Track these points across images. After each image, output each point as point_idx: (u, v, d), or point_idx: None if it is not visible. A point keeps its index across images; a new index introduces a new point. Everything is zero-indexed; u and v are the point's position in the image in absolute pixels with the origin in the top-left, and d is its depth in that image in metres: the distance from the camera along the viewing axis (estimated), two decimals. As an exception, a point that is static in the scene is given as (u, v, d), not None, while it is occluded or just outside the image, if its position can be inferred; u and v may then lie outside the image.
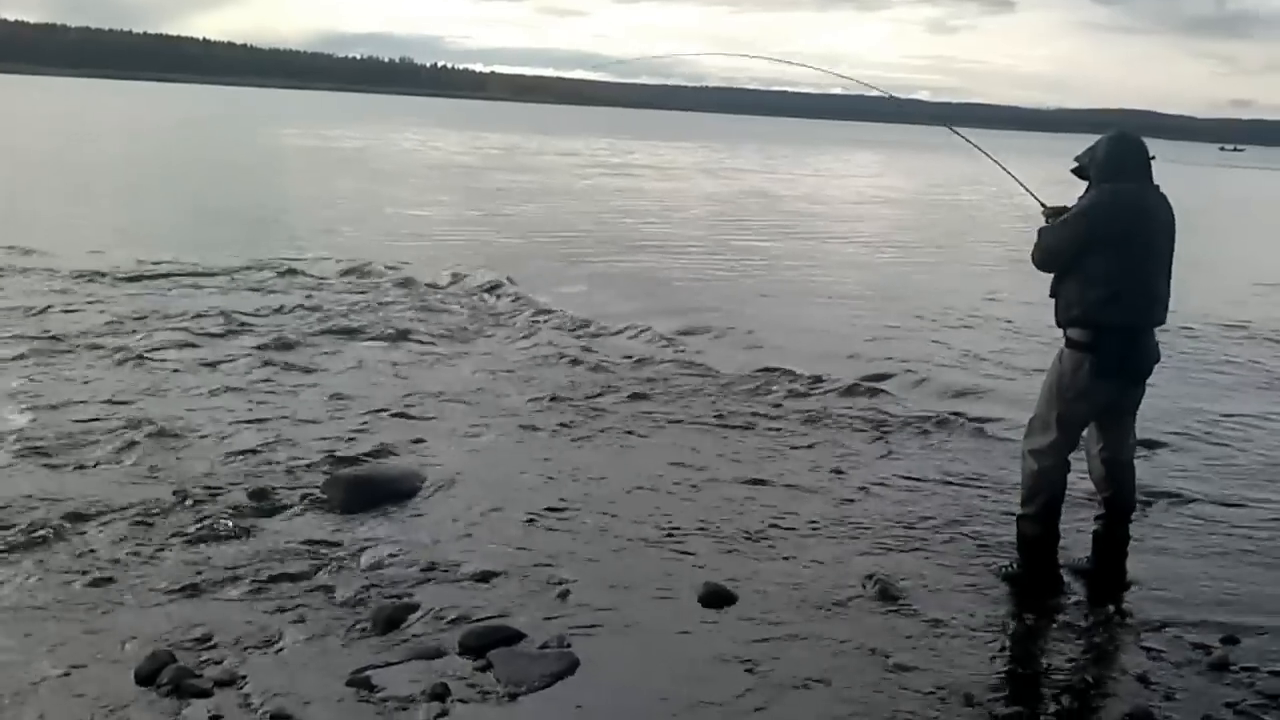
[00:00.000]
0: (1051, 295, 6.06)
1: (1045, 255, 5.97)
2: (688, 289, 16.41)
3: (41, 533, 6.10)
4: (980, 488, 7.83)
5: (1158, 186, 5.96)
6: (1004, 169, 6.96)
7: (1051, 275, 6.03)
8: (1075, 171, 6.08)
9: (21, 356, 9.98)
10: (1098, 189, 5.89)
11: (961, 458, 8.56)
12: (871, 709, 4.87)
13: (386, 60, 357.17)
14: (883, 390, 10.43)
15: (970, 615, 5.82)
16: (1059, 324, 6.04)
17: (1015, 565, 6.32)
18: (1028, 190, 6.66)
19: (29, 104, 77.33)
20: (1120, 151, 5.92)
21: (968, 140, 7.77)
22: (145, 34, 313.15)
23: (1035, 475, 6.16)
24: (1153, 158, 5.93)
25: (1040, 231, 6.02)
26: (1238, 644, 5.63)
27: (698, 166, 51.93)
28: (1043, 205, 6.28)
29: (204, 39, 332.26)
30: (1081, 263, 5.82)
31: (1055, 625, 5.85)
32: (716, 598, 5.82)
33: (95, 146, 39.81)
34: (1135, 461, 6.42)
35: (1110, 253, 5.75)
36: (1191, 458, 8.82)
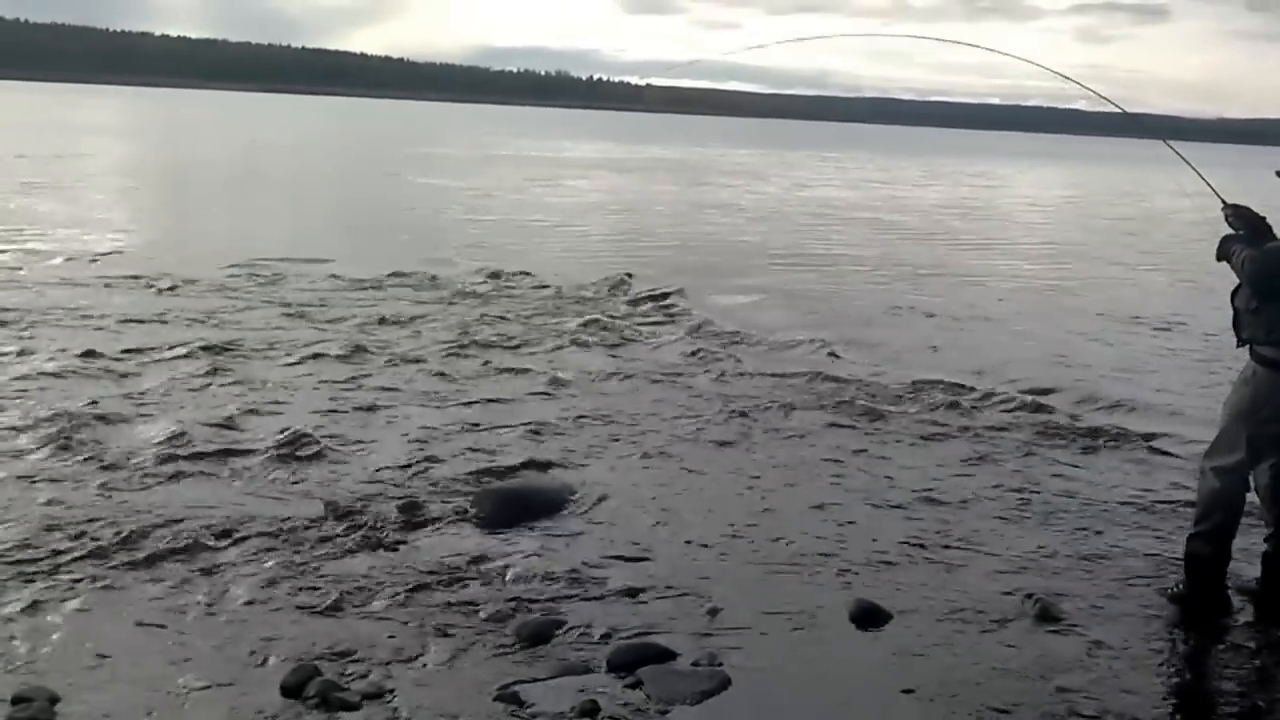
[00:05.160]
0: (1242, 311, 5.86)
1: (1268, 275, 5.74)
2: (848, 301, 16.19)
3: (190, 543, 6.19)
4: (1145, 506, 7.55)
5: None
6: (1191, 165, 6.68)
7: (1236, 292, 5.90)
8: None
9: (177, 364, 10.22)
10: None
11: (1127, 475, 8.26)
12: (1035, 734, 4.69)
13: (543, 73, 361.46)
14: (1046, 404, 10.15)
15: (1135, 637, 5.62)
16: (1252, 342, 5.84)
17: (1182, 586, 6.09)
18: (1211, 187, 6.39)
19: (202, 118, 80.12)
20: None
21: (1177, 152, 7.42)
22: (304, 48, 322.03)
23: (1214, 493, 5.93)
24: None
25: (1267, 252, 5.80)
26: None
27: (856, 178, 51.53)
28: (1223, 202, 6.08)
29: (362, 53, 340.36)
30: None
31: (1224, 648, 5.63)
32: (869, 616, 5.69)
33: (274, 156, 40.82)
34: None
35: None
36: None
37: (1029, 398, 10.32)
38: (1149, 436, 9.16)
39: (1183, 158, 7.01)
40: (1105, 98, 8.16)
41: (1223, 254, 5.99)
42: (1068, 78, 7.96)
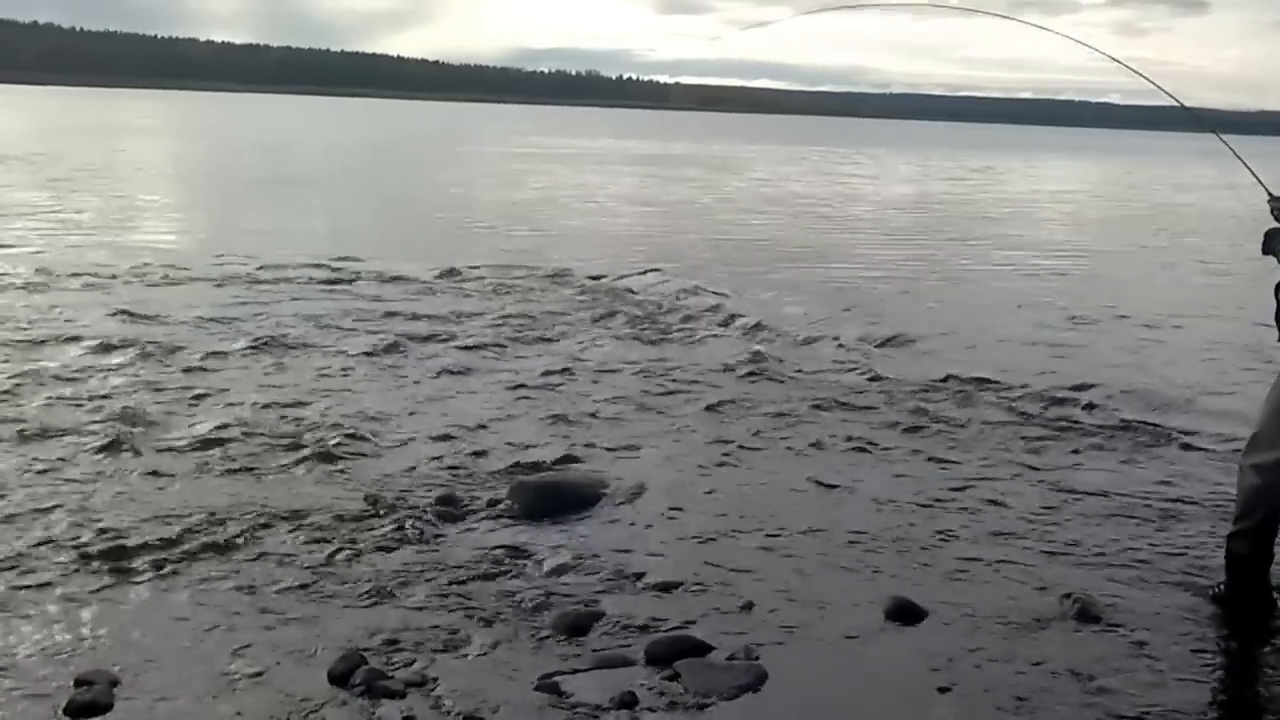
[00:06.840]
0: None
1: None
2: (877, 297, 16.10)
3: (234, 537, 6.25)
4: (1185, 504, 7.47)
5: None
6: (1240, 159, 6.62)
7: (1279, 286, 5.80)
8: None
9: (218, 360, 10.30)
10: None
11: (1165, 472, 8.17)
12: (1075, 733, 4.67)
13: (574, 73, 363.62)
14: (1082, 400, 10.03)
15: (1177, 638, 5.56)
16: None
17: (1223, 586, 6.03)
18: (1257, 179, 6.34)
19: (247, 121, 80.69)
20: None
21: (1228, 145, 7.35)
22: (342, 52, 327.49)
23: (1255, 491, 5.86)
24: None
25: None
26: None
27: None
28: (1269, 194, 6.02)
29: (397, 56, 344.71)
30: None
31: (1268, 650, 5.58)
32: (904, 613, 5.67)
33: (297, 157, 41.06)
34: None
35: None
36: None
37: (1059, 393, 10.20)
38: (1185, 433, 9.07)
39: (1233, 151, 6.94)
40: (1167, 91, 7.99)
41: (1268, 248, 5.93)
42: (1131, 69, 7.82)
